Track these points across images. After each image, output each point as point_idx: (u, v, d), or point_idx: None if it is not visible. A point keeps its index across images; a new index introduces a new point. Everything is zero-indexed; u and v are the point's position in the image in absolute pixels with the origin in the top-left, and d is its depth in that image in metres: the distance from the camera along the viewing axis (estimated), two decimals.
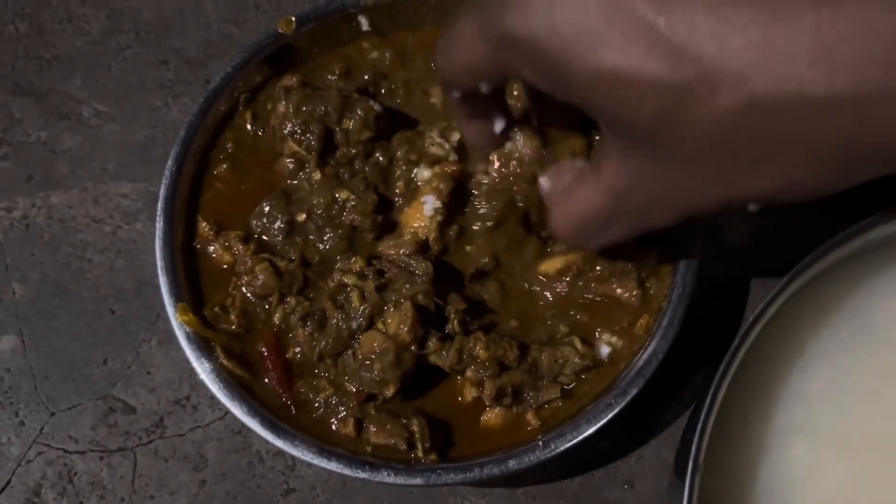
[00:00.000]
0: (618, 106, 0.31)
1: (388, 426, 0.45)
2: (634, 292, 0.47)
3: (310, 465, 0.49)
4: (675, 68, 0.28)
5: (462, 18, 0.36)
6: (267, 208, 0.48)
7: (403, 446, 0.44)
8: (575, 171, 0.40)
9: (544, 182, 0.43)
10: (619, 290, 0.48)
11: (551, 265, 0.48)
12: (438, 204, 0.48)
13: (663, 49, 0.28)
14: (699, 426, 0.35)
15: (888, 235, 0.40)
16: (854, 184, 0.30)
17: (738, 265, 0.53)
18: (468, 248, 0.49)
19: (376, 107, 0.50)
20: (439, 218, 0.48)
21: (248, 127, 0.52)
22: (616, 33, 0.29)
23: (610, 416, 0.44)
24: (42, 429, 0.51)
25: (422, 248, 0.47)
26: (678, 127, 0.30)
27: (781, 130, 0.28)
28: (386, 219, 0.49)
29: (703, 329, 0.47)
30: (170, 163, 0.50)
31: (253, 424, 0.45)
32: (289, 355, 0.47)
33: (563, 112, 0.45)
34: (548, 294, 0.48)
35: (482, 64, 0.36)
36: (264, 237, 0.49)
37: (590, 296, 0.48)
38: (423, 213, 0.48)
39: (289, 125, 0.49)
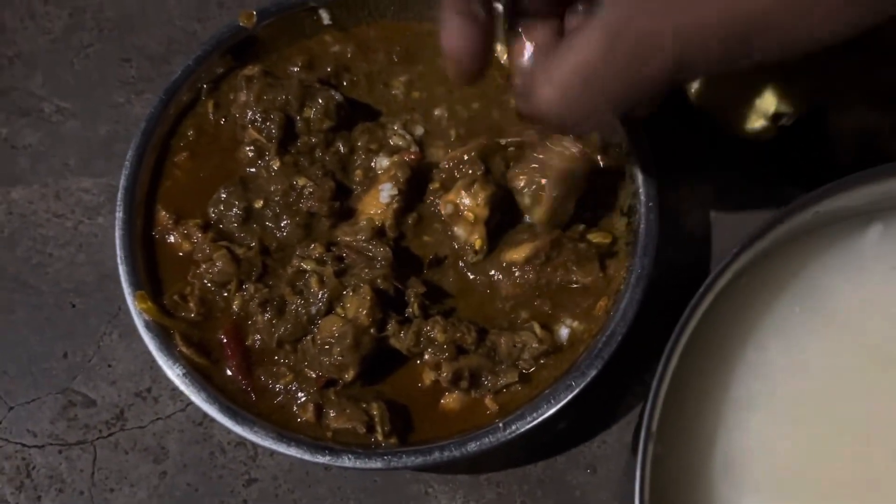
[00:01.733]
0: None
1: (348, 410, 0.45)
2: (599, 275, 0.48)
3: (272, 454, 0.49)
4: None
5: None
6: (224, 195, 0.49)
7: (363, 430, 0.44)
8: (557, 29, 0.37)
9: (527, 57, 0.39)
10: (580, 276, 0.48)
11: (519, 252, 0.48)
12: (395, 191, 0.48)
13: None
14: (651, 393, 0.35)
15: (836, 210, 0.41)
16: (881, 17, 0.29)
17: (698, 250, 0.53)
18: (426, 238, 0.49)
19: (337, 96, 0.51)
20: (395, 205, 0.48)
21: (210, 116, 0.52)
22: None
23: (569, 397, 0.44)
24: (0, 423, 0.50)
25: (378, 234, 0.47)
26: None
27: None
28: (343, 206, 0.49)
29: (664, 314, 0.46)
30: (130, 153, 0.50)
31: (212, 411, 0.45)
32: (248, 342, 0.47)
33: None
34: (509, 282, 0.48)
35: None
36: (221, 224, 0.49)
37: (554, 280, 0.48)
38: (379, 200, 0.48)
39: (249, 113, 0.50)
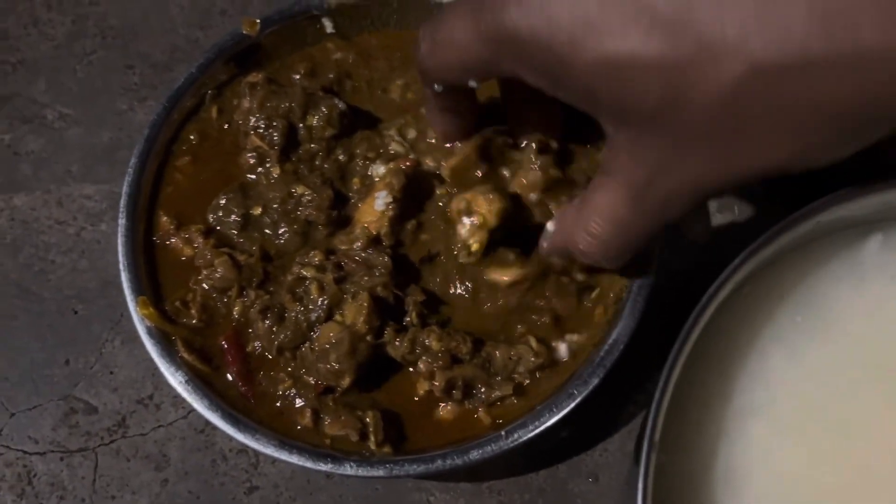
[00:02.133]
0: (621, 92, 0.31)
1: (343, 417, 0.45)
2: (573, 309, 0.48)
3: (273, 461, 0.49)
4: (676, 46, 0.28)
5: (454, 16, 0.36)
6: (223, 201, 0.49)
7: (356, 437, 0.44)
8: (581, 195, 0.39)
9: (551, 224, 0.43)
10: (558, 306, 0.48)
11: (507, 274, 0.47)
12: (389, 199, 0.48)
13: (662, 28, 0.28)
14: (654, 403, 0.35)
15: (837, 219, 0.41)
16: (866, 144, 0.30)
17: (700, 259, 0.53)
18: (423, 236, 0.49)
19: (340, 105, 0.51)
20: (390, 213, 0.48)
21: (214, 121, 0.52)
22: (615, 19, 0.29)
23: (571, 405, 0.44)
24: (1, 430, 0.50)
25: (373, 242, 0.47)
26: (684, 105, 0.30)
27: (786, 96, 0.28)
28: (341, 214, 0.49)
29: (665, 321, 0.47)
30: (133, 160, 0.50)
31: (214, 419, 0.44)
32: (249, 349, 0.47)
33: (537, 107, 0.45)
34: (490, 301, 0.48)
35: (475, 62, 0.36)
36: (219, 228, 0.49)
37: (533, 306, 0.48)
38: (374, 209, 0.48)
39: (252, 120, 0.49)
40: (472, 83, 0.38)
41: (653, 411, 0.35)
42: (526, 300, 0.47)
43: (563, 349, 0.47)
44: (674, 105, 0.30)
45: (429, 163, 0.51)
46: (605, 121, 0.34)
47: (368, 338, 0.44)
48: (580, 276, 0.48)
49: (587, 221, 0.38)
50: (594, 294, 0.48)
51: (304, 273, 0.46)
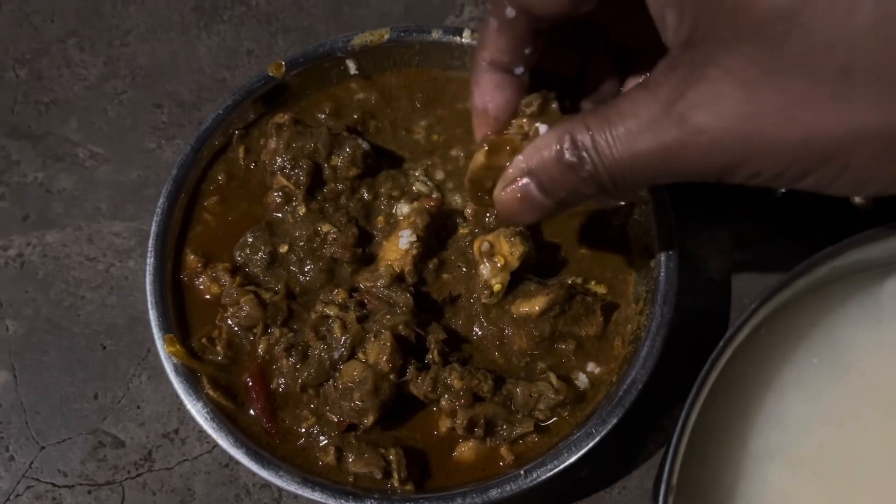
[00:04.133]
0: None
1: (366, 455, 0.45)
2: (600, 328, 0.49)
3: (296, 496, 0.50)
4: None
5: None
6: (250, 239, 0.50)
7: (380, 475, 0.45)
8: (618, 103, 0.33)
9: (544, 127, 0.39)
10: (587, 328, 0.49)
11: (533, 304, 0.48)
12: (413, 238, 0.49)
13: None
14: (672, 447, 0.36)
15: (854, 262, 0.41)
16: None
17: (717, 296, 0.54)
18: (445, 276, 0.50)
19: (364, 145, 0.52)
20: (414, 251, 0.49)
21: (241, 161, 0.54)
22: None
23: (590, 444, 0.45)
24: (31, 463, 0.52)
25: (397, 280, 0.48)
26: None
27: None
28: (365, 252, 0.50)
29: (683, 359, 0.47)
30: (161, 200, 0.51)
31: (239, 455, 0.45)
32: (273, 386, 0.48)
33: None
34: (524, 334, 0.48)
35: None
36: (247, 268, 0.50)
37: (564, 332, 0.49)
38: (399, 247, 0.49)
39: (278, 160, 0.51)
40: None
41: (670, 455, 0.36)
42: (560, 327, 0.48)
43: (582, 379, 0.48)
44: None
45: (456, 200, 0.53)
46: (700, 32, 0.30)
47: (392, 377, 0.45)
48: (599, 290, 0.50)
49: (630, 144, 0.32)
50: (617, 315, 0.50)
51: (328, 311, 0.47)
